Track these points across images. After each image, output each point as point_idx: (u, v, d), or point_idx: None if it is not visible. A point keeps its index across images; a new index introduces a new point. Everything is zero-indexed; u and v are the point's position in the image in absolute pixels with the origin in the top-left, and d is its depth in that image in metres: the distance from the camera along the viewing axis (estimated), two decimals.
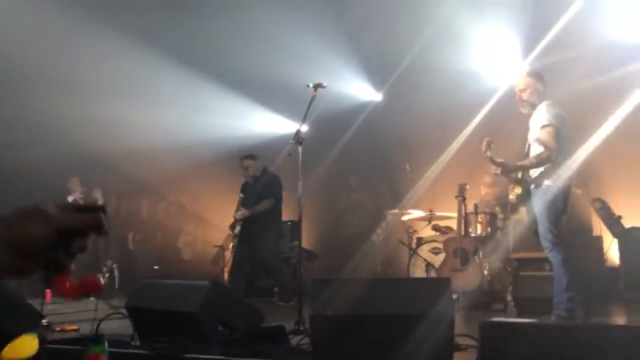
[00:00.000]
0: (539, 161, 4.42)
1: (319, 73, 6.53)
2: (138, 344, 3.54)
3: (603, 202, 6.28)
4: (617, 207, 6.28)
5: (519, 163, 4.58)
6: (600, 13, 6.45)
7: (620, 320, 5.14)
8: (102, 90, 7.99)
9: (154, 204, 9.30)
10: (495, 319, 1.95)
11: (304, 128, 4.63)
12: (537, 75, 4.68)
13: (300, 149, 4.45)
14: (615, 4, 6.40)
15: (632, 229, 6.11)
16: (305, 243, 8.21)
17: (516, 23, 6.71)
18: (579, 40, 6.65)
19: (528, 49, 7.03)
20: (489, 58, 7.30)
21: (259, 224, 6.23)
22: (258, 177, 6.49)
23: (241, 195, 6.49)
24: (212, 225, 8.66)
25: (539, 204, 4.42)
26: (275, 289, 6.60)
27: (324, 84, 4.53)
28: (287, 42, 7.23)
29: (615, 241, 6.16)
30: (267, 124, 8.70)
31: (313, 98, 4.51)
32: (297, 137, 4.44)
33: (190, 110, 8.37)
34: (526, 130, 4.66)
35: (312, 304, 3.19)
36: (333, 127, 7.99)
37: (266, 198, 6.31)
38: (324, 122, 7.83)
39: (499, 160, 4.44)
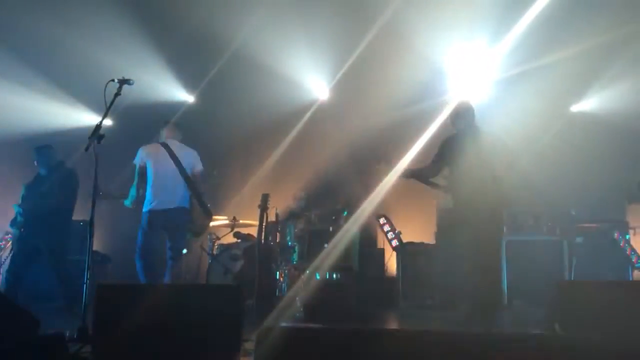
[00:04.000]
0: None
1: (128, 67, 6.25)
2: None
3: (387, 219, 7.01)
4: (398, 224, 7.07)
5: None
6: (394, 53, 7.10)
7: (393, 324, 5.76)
8: None
9: None
10: (269, 325, 2.09)
11: (108, 123, 4.42)
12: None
13: (98, 145, 4.21)
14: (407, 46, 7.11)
15: (408, 243, 6.93)
16: (100, 246, 7.72)
17: (325, 47, 7.09)
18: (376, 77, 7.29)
19: (334, 72, 7.55)
20: (306, 71, 7.57)
21: (45, 222, 5.71)
22: (52, 170, 5.98)
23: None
24: None
25: None
26: (60, 294, 6.08)
27: (131, 81, 4.36)
28: (96, 30, 6.76)
29: (394, 253, 6.93)
30: (67, 113, 7.98)
31: (117, 94, 4.31)
32: (97, 133, 4.19)
33: None
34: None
35: (96, 310, 3.05)
36: (141, 125, 7.66)
37: (57, 194, 5.82)
38: (132, 119, 7.48)
39: None
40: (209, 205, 5.62)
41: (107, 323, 3.09)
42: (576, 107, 7.43)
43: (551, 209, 6.57)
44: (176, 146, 5.56)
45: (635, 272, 6.13)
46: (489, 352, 2.15)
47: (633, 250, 6.18)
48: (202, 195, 5.55)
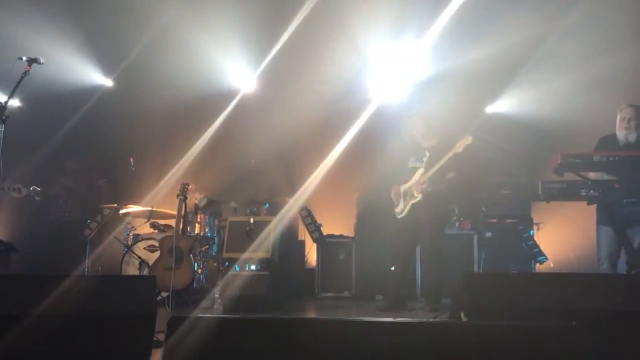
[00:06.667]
0: None
1: (40, 45, 5.89)
2: None
3: (308, 211, 7.07)
4: (318, 216, 7.15)
5: None
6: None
7: (311, 314, 5.82)
8: None
9: None
10: (181, 314, 2.07)
11: (15, 104, 4.16)
12: None
13: (3, 127, 3.97)
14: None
15: (328, 235, 7.03)
16: (3, 233, 7.27)
17: (247, 38, 6.97)
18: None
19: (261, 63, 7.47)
20: (232, 60, 7.35)
21: None
22: None
23: None
24: None
25: None
26: None
27: (41, 60, 4.14)
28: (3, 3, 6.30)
29: (315, 245, 7.01)
30: None
31: (26, 73, 4.09)
32: (1, 114, 3.94)
33: None
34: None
35: None
36: (52, 108, 7.25)
37: None
38: (43, 101, 7.05)
39: None
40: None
41: (5, 316, 2.91)
42: (490, 108, 7.80)
43: (463, 204, 6.89)
44: None
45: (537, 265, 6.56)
46: (399, 340, 2.23)
47: (536, 244, 6.59)
48: None
